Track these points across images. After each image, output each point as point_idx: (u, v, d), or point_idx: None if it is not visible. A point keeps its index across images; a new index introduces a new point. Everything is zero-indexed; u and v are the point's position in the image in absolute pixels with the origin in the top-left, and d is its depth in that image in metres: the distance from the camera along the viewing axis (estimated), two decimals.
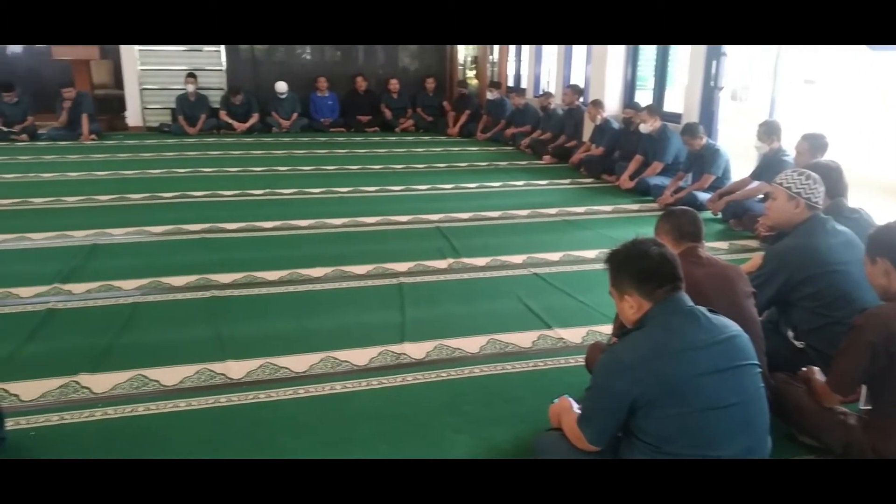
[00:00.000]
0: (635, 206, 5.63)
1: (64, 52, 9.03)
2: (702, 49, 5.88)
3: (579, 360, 2.75)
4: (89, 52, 9.07)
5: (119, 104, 9.69)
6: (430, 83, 10.08)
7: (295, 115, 9.44)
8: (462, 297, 3.58)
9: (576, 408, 2.08)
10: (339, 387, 2.64)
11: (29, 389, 2.56)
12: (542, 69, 9.80)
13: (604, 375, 1.78)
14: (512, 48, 10.48)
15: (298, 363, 2.80)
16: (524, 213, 5.31)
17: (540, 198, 5.86)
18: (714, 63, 5.82)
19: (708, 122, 5.86)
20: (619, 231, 4.67)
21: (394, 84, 9.97)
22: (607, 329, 3.07)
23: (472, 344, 3.00)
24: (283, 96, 9.37)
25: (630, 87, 7.50)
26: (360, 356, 2.88)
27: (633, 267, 1.80)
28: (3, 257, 4.08)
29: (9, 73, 9.92)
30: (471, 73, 11.22)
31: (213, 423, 2.39)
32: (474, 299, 3.55)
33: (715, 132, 5.94)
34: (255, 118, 9.22)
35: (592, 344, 2.64)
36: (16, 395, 2.52)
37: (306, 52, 10.19)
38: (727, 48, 5.76)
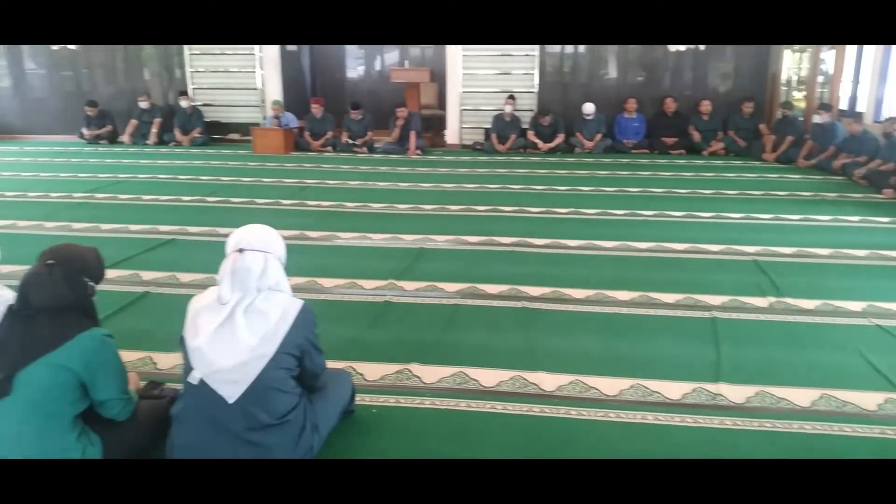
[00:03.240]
0: None
1: (400, 76, 10.24)
2: None
3: None
4: (421, 75, 10.16)
5: (440, 123, 10.70)
6: (748, 107, 9.39)
7: (599, 136, 9.50)
8: (787, 342, 3.24)
9: None
10: (650, 417, 2.56)
11: (371, 370, 2.93)
12: (884, 91, 8.53)
13: None
14: (850, 67, 9.29)
15: (608, 386, 2.79)
16: (862, 253, 4.65)
17: (882, 237, 5.09)
18: None
19: None
20: None
21: (705, 105, 9.49)
22: None
23: (801, 396, 2.70)
24: (590, 118, 9.49)
25: None
26: (671, 389, 2.77)
27: None
28: (350, 252, 4.74)
29: (354, 95, 11.59)
30: (796, 95, 10.19)
31: (526, 429, 2.48)
32: (802, 346, 3.19)
33: None
34: (560, 138, 9.48)
35: None
36: (361, 374, 2.89)
37: (610, 74, 10.20)
38: None
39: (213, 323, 2.05)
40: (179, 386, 2.61)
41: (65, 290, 2.10)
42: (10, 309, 2.12)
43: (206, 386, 2.04)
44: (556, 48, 10.06)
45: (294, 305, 2.16)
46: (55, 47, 10.83)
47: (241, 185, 7.09)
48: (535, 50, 9.84)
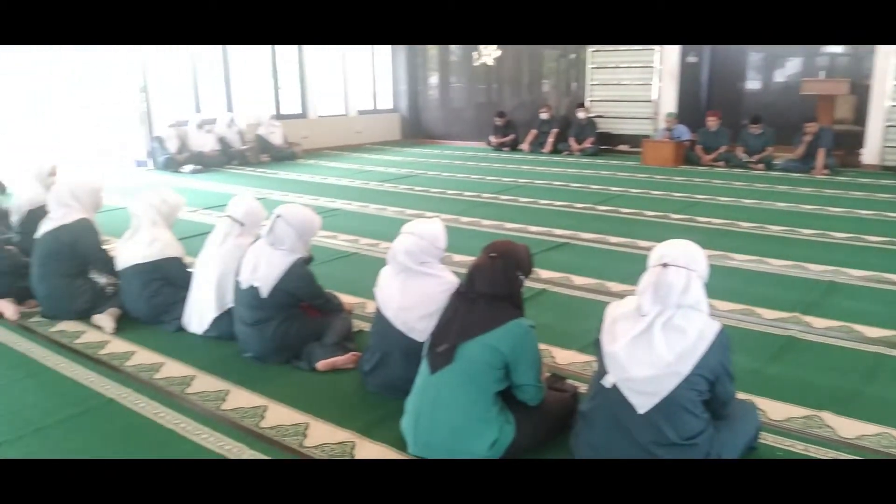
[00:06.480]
0: None
1: (813, 88, 9.23)
2: None
3: None
4: (838, 87, 9.03)
5: (855, 140, 9.36)
6: None
7: None
8: None
9: None
10: None
11: (774, 409, 2.69)
12: None
13: None
14: None
15: None
16: None
17: None
18: None
19: None
20: None
21: None
22: None
23: None
24: None
25: None
26: None
27: None
28: (746, 277, 4.43)
29: (752, 107, 10.80)
30: None
31: None
32: None
33: None
34: None
35: None
36: (762, 410, 2.68)
37: None
38: None
39: (631, 332, 2.11)
40: (577, 383, 2.78)
41: (502, 280, 2.37)
42: (458, 290, 2.48)
43: (618, 392, 2.11)
44: None
45: (711, 327, 2.11)
46: (476, 63, 12.36)
47: (630, 196, 7.17)
48: None
